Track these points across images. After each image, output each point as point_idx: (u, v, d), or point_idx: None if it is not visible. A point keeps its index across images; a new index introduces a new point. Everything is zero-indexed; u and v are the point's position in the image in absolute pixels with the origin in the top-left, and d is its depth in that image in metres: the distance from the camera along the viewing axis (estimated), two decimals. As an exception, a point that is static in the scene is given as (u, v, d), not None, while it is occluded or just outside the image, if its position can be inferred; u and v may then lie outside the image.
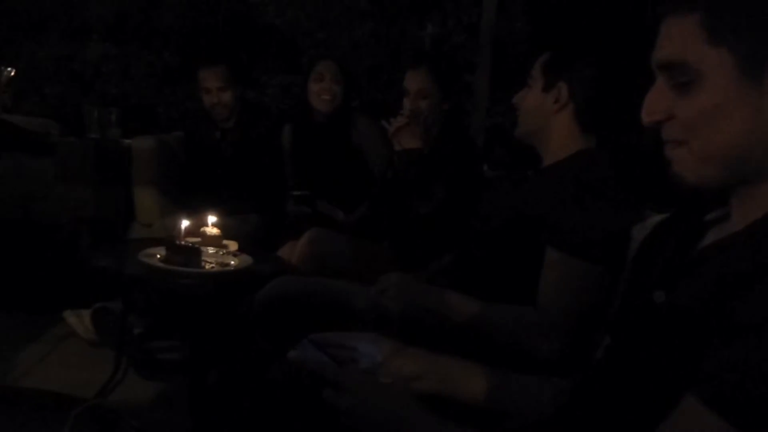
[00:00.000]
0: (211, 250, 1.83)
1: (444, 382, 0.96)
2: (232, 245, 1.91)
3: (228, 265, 1.76)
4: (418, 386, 0.95)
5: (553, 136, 1.47)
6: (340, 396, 0.83)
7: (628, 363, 0.77)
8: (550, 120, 1.46)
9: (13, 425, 0.93)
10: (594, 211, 1.32)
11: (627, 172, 1.51)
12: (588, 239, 1.30)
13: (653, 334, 0.74)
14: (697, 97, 0.72)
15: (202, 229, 1.91)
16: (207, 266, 1.73)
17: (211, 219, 1.94)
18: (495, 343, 1.33)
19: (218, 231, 1.91)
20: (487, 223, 1.56)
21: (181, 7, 4.16)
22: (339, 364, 0.93)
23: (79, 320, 2.38)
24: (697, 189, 0.76)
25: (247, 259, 1.81)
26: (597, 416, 0.79)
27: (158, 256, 1.73)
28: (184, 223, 1.80)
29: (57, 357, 2.31)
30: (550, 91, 1.45)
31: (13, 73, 1.61)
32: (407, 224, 2.15)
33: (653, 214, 1.34)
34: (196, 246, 1.74)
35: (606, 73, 1.46)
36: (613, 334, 0.87)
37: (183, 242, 1.74)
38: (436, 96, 2.18)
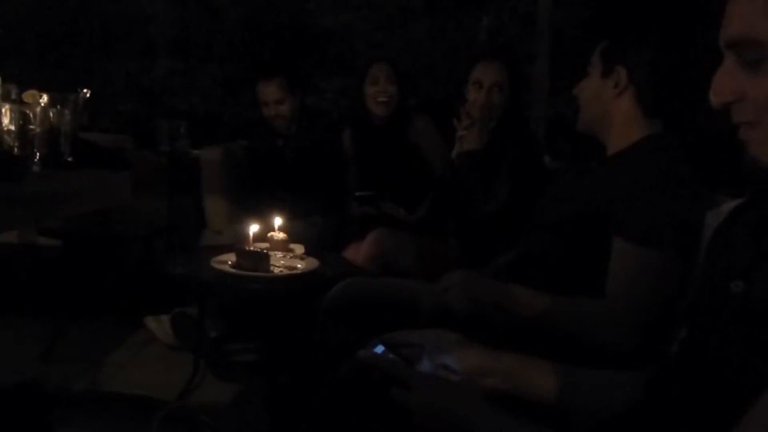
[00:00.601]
0: (278, 254, 1.88)
1: (510, 379, 0.95)
2: (299, 249, 1.96)
3: (295, 268, 1.81)
4: (484, 383, 0.94)
5: (615, 123, 1.43)
6: (409, 395, 0.84)
7: (705, 356, 0.75)
8: (610, 106, 1.43)
9: (103, 427, 0.99)
10: (664, 198, 1.28)
11: (698, 156, 1.46)
12: (658, 227, 1.26)
13: (731, 325, 0.71)
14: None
15: (269, 234, 1.96)
16: (275, 270, 1.78)
17: (278, 224, 1.99)
18: (563, 337, 1.31)
19: (285, 235, 1.96)
20: (551, 216, 1.53)
21: (240, 18, 4.27)
22: (408, 363, 0.94)
23: (159, 325, 2.49)
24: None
25: (313, 262, 1.85)
26: (673, 412, 0.76)
27: (229, 262, 1.80)
28: (252, 229, 1.85)
29: (140, 361, 2.43)
30: (609, 77, 1.42)
31: (88, 95, 1.70)
32: (472, 223, 2.15)
33: (728, 199, 1.28)
34: (264, 251, 1.80)
35: (664, 54, 1.41)
36: (689, 327, 0.84)
37: (251, 248, 1.79)
38: (507, 90, 2.18)
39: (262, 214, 2.16)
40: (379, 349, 0.94)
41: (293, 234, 2.14)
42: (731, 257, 0.80)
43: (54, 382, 2.11)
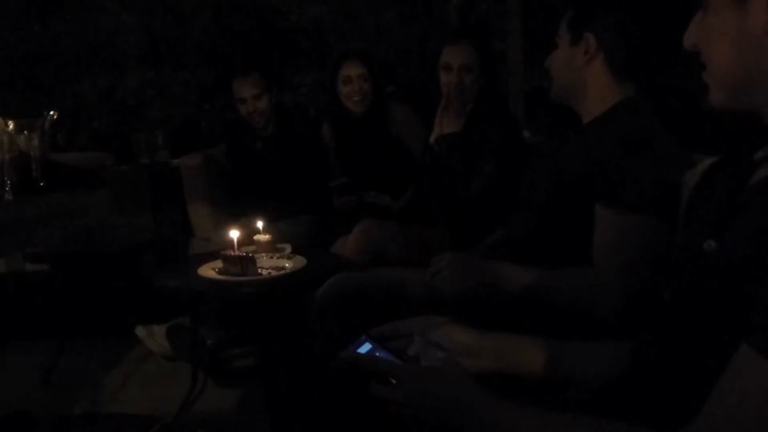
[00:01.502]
0: (265, 256, 1.87)
1: (501, 357, 0.94)
2: (286, 248, 1.95)
3: (283, 268, 1.80)
4: (474, 364, 0.94)
5: (589, 90, 1.44)
6: (392, 388, 0.83)
7: (684, 318, 0.75)
8: (582, 73, 1.43)
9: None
10: (640, 161, 1.28)
11: (673, 118, 1.46)
12: (638, 191, 1.26)
13: (705, 285, 0.71)
14: (702, 21, 0.73)
15: (254, 237, 1.95)
16: (263, 272, 1.77)
17: (261, 226, 1.98)
18: (553, 308, 1.32)
19: (269, 236, 1.95)
20: (534, 191, 1.53)
21: (207, 22, 4.23)
22: (399, 355, 0.93)
23: (150, 336, 2.48)
24: (722, 113, 0.75)
25: (301, 261, 1.84)
26: (659, 376, 0.76)
27: (216, 269, 1.79)
28: (235, 234, 1.84)
29: (139, 376, 2.42)
30: (577, 45, 1.42)
31: (56, 116, 1.68)
32: (458, 205, 2.14)
33: (704, 158, 1.28)
34: (251, 254, 1.79)
35: (630, 16, 1.42)
36: (670, 289, 0.84)
37: (237, 253, 1.78)
38: (477, 70, 2.18)
39: (248, 217, 2.15)
40: (366, 346, 0.93)
41: (280, 234, 2.13)
42: (705, 217, 0.80)
43: (53, 407, 2.11)
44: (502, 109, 2.35)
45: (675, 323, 0.76)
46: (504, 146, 2.12)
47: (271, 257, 1.88)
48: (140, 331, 2.50)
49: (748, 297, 0.62)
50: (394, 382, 0.83)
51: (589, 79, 1.43)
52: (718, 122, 0.77)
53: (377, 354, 0.92)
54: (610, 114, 1.41)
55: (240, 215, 2.43)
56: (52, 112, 1.69)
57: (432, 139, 2.16)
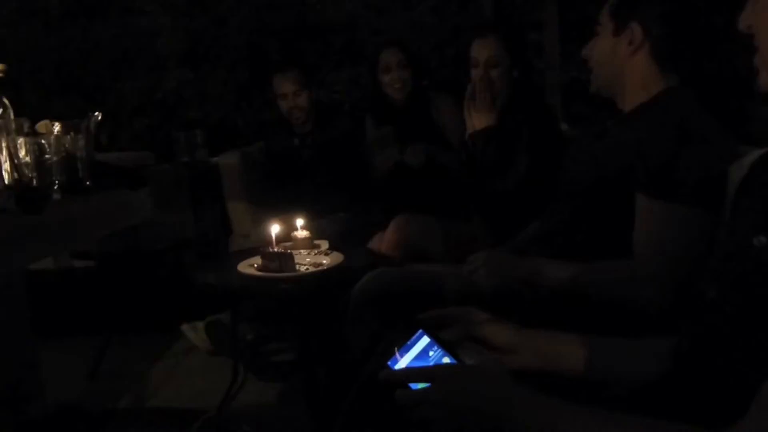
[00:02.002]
0: (303, 252, 1.89)
1: (540, 355, 0.94)
2: (324, 245, 1.97)
3: (321, 264, 1.82)
4: (513, 361, 0.93)
5: (632, 81, 1.40)
6: (427, 392, 0.81)
7: (732, 316, 0.73)
8: (625, 65, 1.39)
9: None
10: (685, 151, 1.24)
11: (719, 108, 1.42)
12: (681, 182, 1.23)
13: (755, 282, 0.69)
14: (758, 1, 0.72)
15: (292, 233, 1.97)
16: (301, 268, 1.79)
17: (299, 222, 2.00)
18: (593, 304, 1.30)
19: (308, 233, 1.97)
20: (573, 184, 1.51)
21: (244, 22, 4.28)
22: (452, 350, 0.91)
23: (194, 331, 2.53)
24: None
25: (338, 257, 1.85)
26: (703, 374, 0.75)
27: (255, 265, 1.81)
28: (274, 231, 1.87)
29: (182, 370, 2.48)
30: (622, 34, 1.38)
31: (100, 117, 1.73)
32: (494, 200, 2.13)
33: (750, 150, 1.25)
34: (289, 251, 1.81)
35: (676, 5, 1.37)
36: (717, 286, 0.82)
37: (276, 249, 1.81)
38: (505, 64, 2.14)
39: (286, 214, 2.18)
40: (423, 340, 0.91)
41: (319, 231, 2.15)
42: (755, 211, 0.77)
43: (100, 401, 2.18)
44: (538, 102, 2.31)
45: (721, 320, 0.74)
46: (539, 140, 2.09)
47: (309, 253, 1.90)
48: (184, 326, 2.56)
49: None
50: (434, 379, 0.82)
51: (632, 70, 1.39)
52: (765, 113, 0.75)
53: (431, 352, 0.90)
54: (653, 104, 1.38)
55: (278, 212, 2.46)
56: (96, 114, 1.73)
57: (466, 135, 2.15)
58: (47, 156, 1.49)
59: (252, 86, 4.16)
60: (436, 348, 0.90)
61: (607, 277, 1.32)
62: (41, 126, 1.58)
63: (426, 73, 2.97)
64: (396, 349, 0.88)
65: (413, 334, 0.90)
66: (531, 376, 0.90)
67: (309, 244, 1.95)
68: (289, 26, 4.30)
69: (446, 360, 0.89)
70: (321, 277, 1.77)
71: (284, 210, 2.32)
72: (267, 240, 1.87)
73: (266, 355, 2.37)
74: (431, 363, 0.88)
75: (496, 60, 2.13)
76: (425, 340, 0.90)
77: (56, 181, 1.52)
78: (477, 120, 2.06)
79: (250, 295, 2.27)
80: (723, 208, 1.22)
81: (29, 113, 1.61)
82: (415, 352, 0.89)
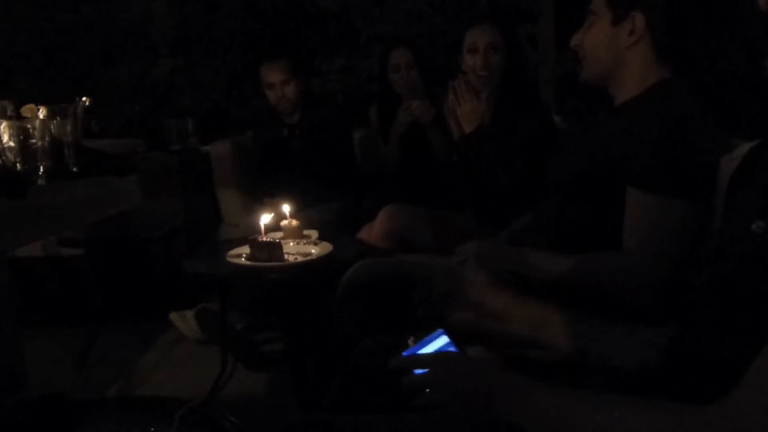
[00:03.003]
0: (292, 242, 1.88)
1: (533, 325, 0.95)
2: (313, 234, 1.96)
3: (309, 254, 1.81)
4: (509, 327, 0.94)
5: (629, 72, 1.38)
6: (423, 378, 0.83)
7: (731, 303, 0.72)
8: (623, 55, 1.37)
9: (128, 430, 1.00)
10: (676, 144, 1.24)
11: (709, 100, 1.41)
12: (672, 174, 1.23)
13: (756, 267, 0.69)
14: None
15: (281, 223, 1.96)
16: (290, 258, 1.78)
17: (288, 212, 1.99)
18: (583, 295, 1.29)
19: (297, 223, 1.95)
20: (564, 176, 1.50)
21: (237, 9, 4.24)
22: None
23: (183, 320, 2.52)
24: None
25: (327, 247, 1.84)
26: (699, 361, 0.74)
27: (244, 254, 1.80)
28: (264, 220, 1.85)
29: (171, 360, 2.47)
30: (621, 24, 1.35)
31: (88, 103, 1.70)
32: (491, 195, 2.12)
33: (740, 143, 1.24)
34: (278, 240, 1.79)
35: None
36: (711, 274, 0.81)
37: (264, 238, 1.79)
38: (504, 50, 2.13)
39: (276, 203, 2.16)
40: (442, 339, 0.91)
41: (309, 221, 2.14)
42: (750, 199, 0.77)
43: (87, 389, 2.17)
44: (531, 96, 2.30)
45: (718, 306, 0.74)
46: (534, 135, 2.08)
47: (298, 243, 1.89)
48: (173, 316, 2.54)
49: None
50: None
51: (630, 61, 1.37)
52: (757, 106, 0.74)
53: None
54: (645, 96, 1.37)
55: (268, 201, 2.45)
56: (84, 98, 1.71)
57: (457, 136, 2.12)
58: (32, 141, 1.46)
59: (245, 74, 4.12)
60: (455, 350, 0.90)
61: (597, 268, 1.31)
62: (26, 110, 1.56)
63: (433, 71, 2.98)
64: (413, 339, 0.89)
65: (434, 331, 0.91)
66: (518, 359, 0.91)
67: (298, 233, 1.94)
68: (282, 13, 4.26)
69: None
70: (309, 266, 1.75)
71: (274, 200, 2.31)
72: (256, 229, 1.85)
73: (255, 344, 2.36)
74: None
75: (496, 45, 2.12)
76: (443, 339, 0.91)
77: (41, 167, 1.49)
78: (466, 123, 2.05)
79: (238, 284, 2.26)
80: (714, 200, 1.22)
81: (18, 98, 1.59)
82: (432, 348, 0.90)
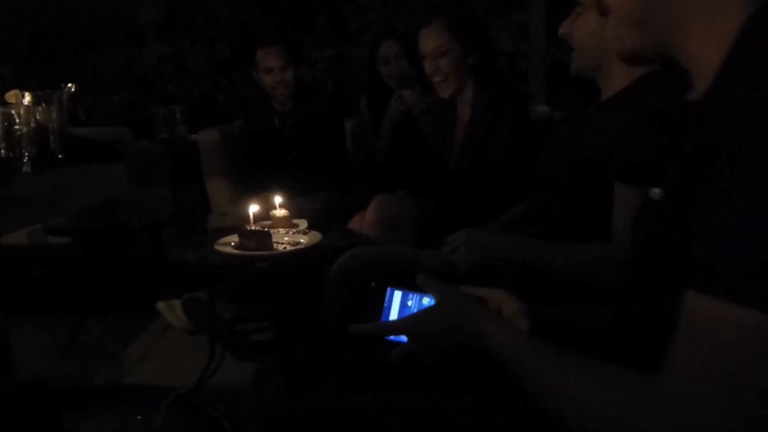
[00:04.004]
0: (281, 231, 1.87)
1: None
2: (302, 224, 1.95)
3: (299, 243, 1.80)
4: None
5: (618, 63, 1.38)
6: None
7: (649, 270, 0.74)
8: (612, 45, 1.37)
9: (115, 419, 1.00)
10: (661, 138, 1.24)
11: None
12: (658, 170, 1.23)
13: (657, 235, 0.70)
14: None
15: (271, 212, 1.95)
16: (279, 247, 1.77)
17: (278, 201, 1.98)
18: (570, 282, 1.30)
19: (286, 212, 1.94)
20: (554, 169, 1.50)
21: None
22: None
23: (170, 309, 2.51)
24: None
25: (316, 236, 1.83)
26: (635, 331, 0.77)
27: (232, 243, 1.79)
28: (253, 209, 1.84)
29: (158, 350, 2.46)
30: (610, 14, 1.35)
31: (74, 89, 1.68)
32: (472, 183, 2.11)
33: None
34: (266, 229, 1.79)
35: None
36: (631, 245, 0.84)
37: (253, 227, 1.78)
38: (456, 51, 2.05)
39: (265, 193, 2.15)
40: (396, 295, 0.94)
41: (300, 210, 2.13)
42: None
43: (74, 378, 2.15)
44: (504, 87, 2.25)
45: (641, 280, 0.75)
46: (513, 132, 2.04)
47: (287, 232, 1.88)
48: (160, 305, 2.53)
49: (685, 241, 0.59)
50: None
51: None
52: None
53: (409, 301, 0.92)
54: (632, 88, 1.37)
55: (257, 191, 2.43)
56: (70, 85, 1.68)
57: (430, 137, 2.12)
58: (16, 127, 1.45)
59: (233, 62, 4.09)
60: (411, 295, 0.92)
61: (585, 257, 1.32)
62: (10, 96, 1.53)
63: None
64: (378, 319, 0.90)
65: (384, 297, 0.92)
66: None
67: (287, 222, 1.93)
68: (272, 1, 4.23)
69: (426, 300, 0.93)
70: (298, 255, 1.75)
71: (264, 189, 2.30)
72: (245, 218, 1.84)
73: (244, 334, 2.36)
74: (415, 310, 0.91)
75: (443, 48, 2.04)
76: (398, 294, 0.92)
77: (26, 154, 1.47)
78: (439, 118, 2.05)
79: (227, 274, 2.24)
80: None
81: (2, 83, 1.56)
82: (396, 310, 0.91)
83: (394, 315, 0.92)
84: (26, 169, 1.46)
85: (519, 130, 2.01)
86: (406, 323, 0.90)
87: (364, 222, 2.15)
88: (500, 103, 2.05)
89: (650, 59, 0.75)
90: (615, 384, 0.62)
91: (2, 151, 1.41)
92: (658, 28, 0.70)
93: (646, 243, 0.74)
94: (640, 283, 0.77)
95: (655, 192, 0.73)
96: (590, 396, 0.63)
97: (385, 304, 0.92)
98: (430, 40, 2.06)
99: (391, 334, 0.90)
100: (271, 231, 1.79)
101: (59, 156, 1.57)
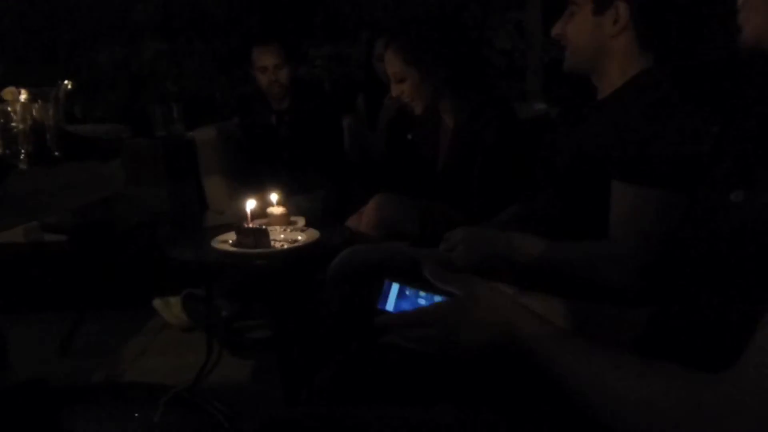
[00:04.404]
0: (279, 228, 1.87)
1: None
2: (300, 221, 1.95)
3: (296, 241, 1.80)
4: None
5: (613, 61, 1.38)
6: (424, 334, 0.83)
7: (719, 270, 0.72)
8: (606, 45, 1.37)
9: (111, 417, 0.99)
10: (657, 133, 1.25)
11: (693, 88, 1.41)
12: (653, 165, 1.24)
13: (740, 236, 0.69)
14: None
15: (268, 210, 1.95)
16: (276, 245, 1.76)
17: (275, 198, 1.98)
18: (568, 279, 1.30)
19: (284, 209, 1.94)
20: (552, 169, 1.50)
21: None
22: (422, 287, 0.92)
23: (167, 307, 2.50)
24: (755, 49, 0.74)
25: (314, 234, 1.83)
26: (680, 334, 0.75)
27: (230, 241, 1.79)
28: (250, 207, 1.84)
29: (155, 347, 2.45)
30: (605, 13, 1.35)
31: (70, 86, 1.67)
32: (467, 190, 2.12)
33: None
34: (264, 227, 1.78)
35: None
36: (689, 242, 0.82)
37: (251, 225, 1.78)
38: (413, 76, 2.03)
39: (262, 190, 2.15)
40: (393, 288, 0.92)
41: (298, 209, 2.13)
42: (725, 172, 0.78)
43: (71, 376, 2.15)
44: (485, 93, 2.24)
45: (708, 279, 0.74)
46: (500, 137, 2.04)
47: (285, 230, 1.87)
48: (157, 303, 2.52)
49: None
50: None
51: (614, 50, 1.37)
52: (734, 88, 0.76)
53: (407, 293, 0.91)
54: (629, 87, 1.37)
55: (254, 188, 2.43)
56: (66, 82, 1.68)
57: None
58: (13, 124, 1.44)
59: (231, 59, 4.08)
60: (408, 290, 0.91)
61: (583, 255, 1.32)
62: (7, 93, 1.52)
63: None
64: (376, 306, 0.89)
65: (382, 287, 0.92)
66: None
67: (285, 220, 1.92)
68: (269, -1, 4.22)
69: (422, 297, 0.90)
70: (296, 253, 1.74)
71: (261, 186, 2.29)
72: (242, 216, 1.84)
73: (241, 331, 2.36)
74: (413, 303, 0.89)
75: (400, 75, 2.04)
76: (395, 286, 0.92)
77: (22, 151, 1.47)
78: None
79: (224, 271, 2.24)
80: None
81: (-2, 81, 1.56)
82: (393, 300, 0.90)
83: (390, 306, 0.91)
84: (22, 166, 1.46)
85: (505, 134, 2.02)
86: (432, 312, 0.85)
87: (361, 220, 2.14)
88: (484, 109, 2.05)
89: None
90: (679, 381, 0.62)
91: (-1, 148, 1.40)
92: None
93: (722, 245, 0.72)
94: (697, 285, 0.76)
95: (738, 194, 0.72)
96: (651, 395, 0.62)
97: (382, 294, 0.92)
98: (389, 66, 2.06)
99: (417, 324, 0.85)
100: (269, 228, 1.79)
101: (55, 153, 1.56)
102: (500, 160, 2.00)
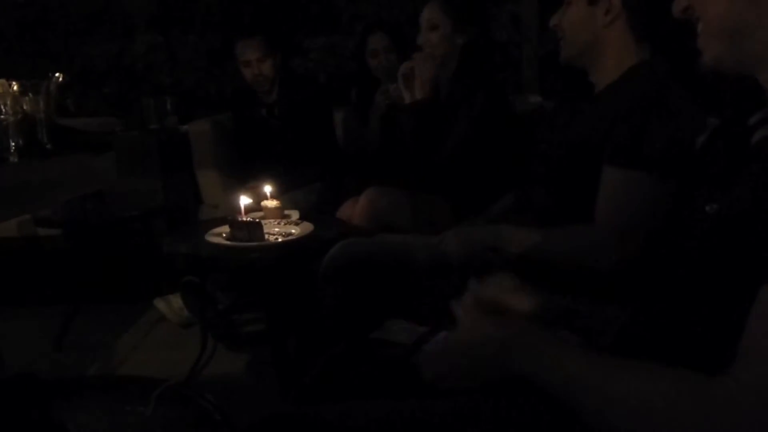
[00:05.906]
0: (273, 221, 1.86)
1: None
2: (294, 214, 1.94)
3: (290, 234, 1.79)
4: None
5: (607, 52, 1.38)
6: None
7: (685, 277, 0.73)
8: (600, 35, 1.37)
9: (103, 411, 0.99)
10: (650, 120, 1.26)
11: (689, 79, 1.41)
12: (644, 149, 1.25)
13: (710, 247, 0.70)
14: None
15: (262, 203, 1.94)
16: (270, 238, 1.76)
17: (269, 192, 1.97)
18: (557, 266, 1.30)
19: (278, 203, 1.94)
20: (547, 163, 1.50)
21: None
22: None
23: (168, 306, 2.50)
24: (716, 72, 0.74)
25: (308, 227, 1.83)
26: (659, 333, 0.76)
27: (224, 234, 1.78)
28: (244, 200, 1.83)
29: (151, 341, 2.45)
30: (597, 4, 1.35)
31: (62, 79, 1.65)
32: (429, 170, 2.11)
33: (717, 123, 1.25)
34: (258, 220, 1.78)
35: None
36: (672, 250, 0.82)
37: (245, 218, 1.78)
38: (446, 27, 2.11)
39: (256, 184, 2.14)
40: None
41: (294, 202, 2.12)
42: (708, 180, 0.78)
43: (65, 371, 2.14)
44: (487, 73, 2.26)
45: (682, 283, 0.75)
46: (483, 114, 2.06)
47: (279, 223, 1.87)
48: (157, 301, 2.52)
49: (756, 246, 0.60)
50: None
51: (607, 40, 1.37)
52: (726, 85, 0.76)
53: None
54: (624, 79, 1.37)
55: (248, 181, 2.42)
56: (57, 74, 1.66)
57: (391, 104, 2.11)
58: (3, 116, 1.43)
59: (224, 52, 4.06)
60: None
61: (567, 241, 1.34)
62: (-4, 85, 1.51)
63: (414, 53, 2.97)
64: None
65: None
66: None
67: (279, 213, 1.92)
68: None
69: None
70: (290, 246, 1.74)
71: (255, 179, 2.28)
72: (236, 209, 1.83)
73: (237, 325, 2.35)
74: None
75: (434, 22, 2.11)
76: None
77: (13, 144, 1.45)
78: (420, 88, 2.04)
79: (218, 265, 2.23)
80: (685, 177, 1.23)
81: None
82: None
83: None
84: (13, 159, 1.44)
85: (485, 120, 2.04)
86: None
87: (354, 213, 2.14)
88: (475, 90, 2.08)
89: (727, 74, 0.75)
90: (687, 384, 0.62)
91: (-12, 141, 1.39)
92: (748, 46, 0.71)
93: (696, 253, 0.73)
94: (669, 287, 0.77)
95: (713, 207, 0.72)
96: (661, 400, 0.61)
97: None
98: (428, 10, 2.14)
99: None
100: (263, 222, 1.79)
101: (47, 146, 1.54)
102: (486, 131, 2.03)
